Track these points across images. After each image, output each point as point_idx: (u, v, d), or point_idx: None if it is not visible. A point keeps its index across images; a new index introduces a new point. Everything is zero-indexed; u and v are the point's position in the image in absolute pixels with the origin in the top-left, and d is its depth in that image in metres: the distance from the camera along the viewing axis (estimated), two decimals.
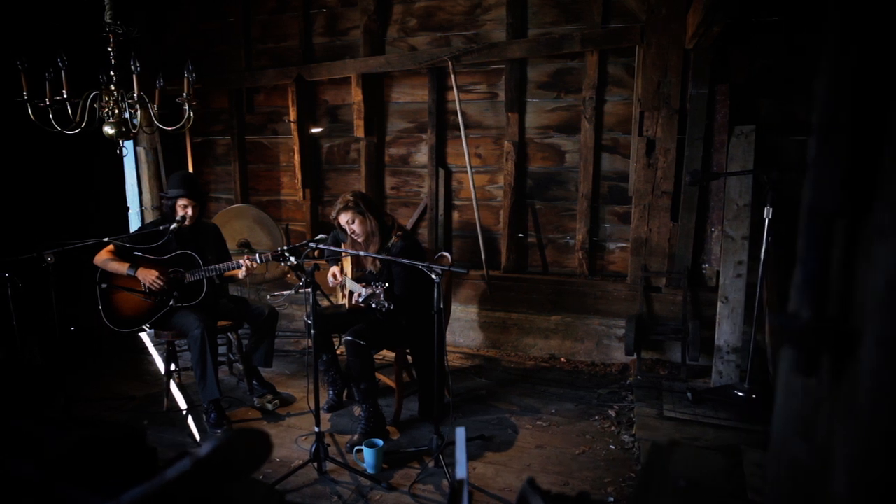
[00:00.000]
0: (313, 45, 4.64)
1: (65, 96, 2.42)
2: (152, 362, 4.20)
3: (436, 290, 2.55)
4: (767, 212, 3.05)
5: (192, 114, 2.77)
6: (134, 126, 2.56)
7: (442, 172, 4.44)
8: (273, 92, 4.84)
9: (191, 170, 4.90)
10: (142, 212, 4.97)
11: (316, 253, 4.32)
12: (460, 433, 0.86)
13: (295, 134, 4.67)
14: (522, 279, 4.27)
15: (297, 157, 4.72)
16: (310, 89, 4.72)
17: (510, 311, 4.26)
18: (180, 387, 3.70)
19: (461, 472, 0.77)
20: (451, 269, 2.56)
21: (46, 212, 4.00)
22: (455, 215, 4.51)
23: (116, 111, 2.68)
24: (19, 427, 0.85)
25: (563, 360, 4.14)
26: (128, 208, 4.85)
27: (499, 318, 4.28)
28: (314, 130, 4.77)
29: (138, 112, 2.50)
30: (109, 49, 2.64)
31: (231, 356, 3.95)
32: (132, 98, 2.47)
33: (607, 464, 2.81)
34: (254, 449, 0.71)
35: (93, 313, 4.35)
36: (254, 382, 3.54)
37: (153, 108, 2.69)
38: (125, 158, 4.75)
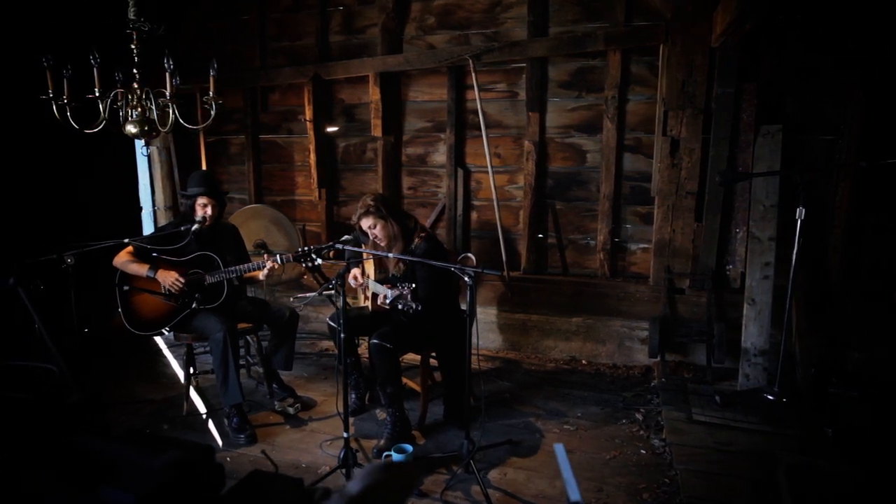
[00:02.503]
0: (329, 43, 4.58)
1: (97, 94, 2.36)
2: (167, 364, 4.15)
3: (469, 292, 2.50)
4: (800, 212, 3.00)
5: (214, 112, 2.71)
6: (164, 125, 2.50)
7: (461, 172, 4.39)
8: (288, 91, 4.78)
9: (204, 169, 4.84)
10: (154, 212, 4.91)
11: (332, 254, 4.28)
12: (560, 450, 0.81)
13: (311, 133, 4.61)
14: (542, 280, 4.22)
15: (312, 157, 4.66)
16: (326, 88, 4.66)
17: (530, 312, 4.20)
18: (198, 390, 3.64)
19: (574, 494, 0.72)
20: (485, 271, 2.50)
21: (59, 213, 3.94)
22: (473, 216, 4.46)
23: (139, 109, 2.63)
24: (88, 445, 0.80)
25: (584, 362, 4.09)
26: (141, 208, 4.79)
27: (518, 320, 4.23)
28: (330, 130, 4.71)
29: (170, 111, 2.44)
30: (133, 46, 2.58)
31: (249, 359, 3.90)
32: (164, 97, 2.41)
33: (640, 469, 2.76)
34: (403, 484, 0.66)
35: (107, 315, 4.30)
36: (273, 386, 3.49)
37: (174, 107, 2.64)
38: (137, 158, 4.73)
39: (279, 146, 4.92)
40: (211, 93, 2.55)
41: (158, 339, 4.43)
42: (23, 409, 0.94)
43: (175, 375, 3.94)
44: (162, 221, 4.89)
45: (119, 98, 2.63)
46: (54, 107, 2.42)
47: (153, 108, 2.47)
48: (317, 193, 4.71)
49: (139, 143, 4.57)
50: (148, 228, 4.86)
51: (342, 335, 2.56)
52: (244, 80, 4.73)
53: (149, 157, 4.79)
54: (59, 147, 3.83)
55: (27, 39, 3.60)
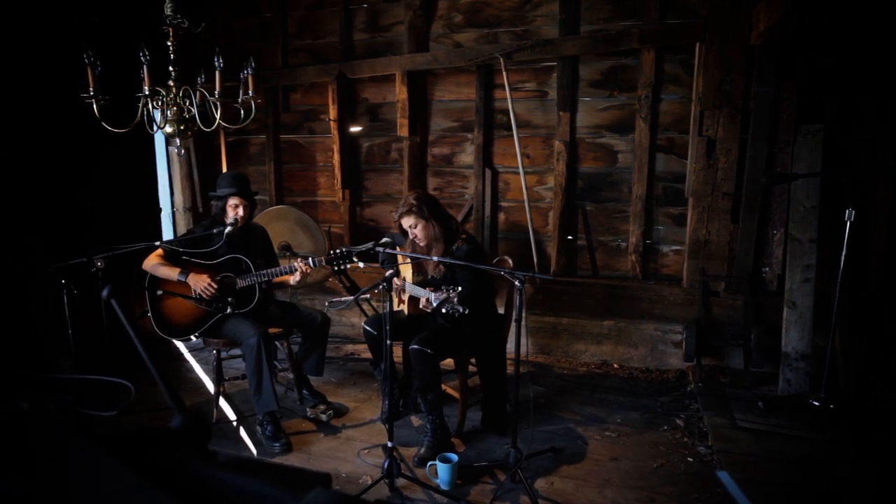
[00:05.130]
0: (353, 41, 4.50)
1: (146, 93, 2.28)
2: (190, 369, 4.06)
3: (519, 297, 2.42)
4: (849, 214, 2.94)
5: (253, 113, 2.64)
6: (211, 124, 2.42)
7: (488, 173, 4.31)
8: (310, 90, 4.70)
9: (224, 170, 4.75)
10: (173, 213, 4.82)
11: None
12: (727, 479, 0.73)
13: (335, 133, 4.53)
14: (572, 283, 4.14)
15: (336, 157, 4.58)
16: (349, 87, 4.58)
17: (560, 315, 4.13)
18: (225, 396, 3.55)
19: None
20: (536, 275, 2.43)
21: (76, 214, 3.85)
22: (501, 217, 4.39)
23: (175, 108, 2.54)
24: (218, 480, 0.71)
25: (616, 366, 4.02)
26: (160, 209, 4.70)
27: (549, 323, 4.15)
28: (354, 129, 4.63)
29: (218, 110, 2.36)
30: (169, 43, 2.50)
31: (277, 364, 3.81)
32: (213, 96, 2.33)
33: (689, 478, 2.68)
34: None
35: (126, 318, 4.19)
36: (304, 392, 3.41)
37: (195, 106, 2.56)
38: (157, 158, 4.63)
39: (300, 146, 4.83)
40: (251, 92, 2.47)
41: (179, 344, 4.34)
42: (134, 434, 0.85)
43: (199, 381, 3.85)
44: (181, 223, 4.80)
45: (150, 96, 2.55)
46: (94, 105, 2.33)
47: (192, 107, 2.39)
48: (340, 194, 4.63)
49: (162, 142, 4.47)
50: (167, 230, 4.77)
51: (388, 342, 2.48)
52: (267, 78, 4.64)
53: (168, 157, 4.69)
54: (75, 147, 3.73)
55: (51, 34, 3.52)
